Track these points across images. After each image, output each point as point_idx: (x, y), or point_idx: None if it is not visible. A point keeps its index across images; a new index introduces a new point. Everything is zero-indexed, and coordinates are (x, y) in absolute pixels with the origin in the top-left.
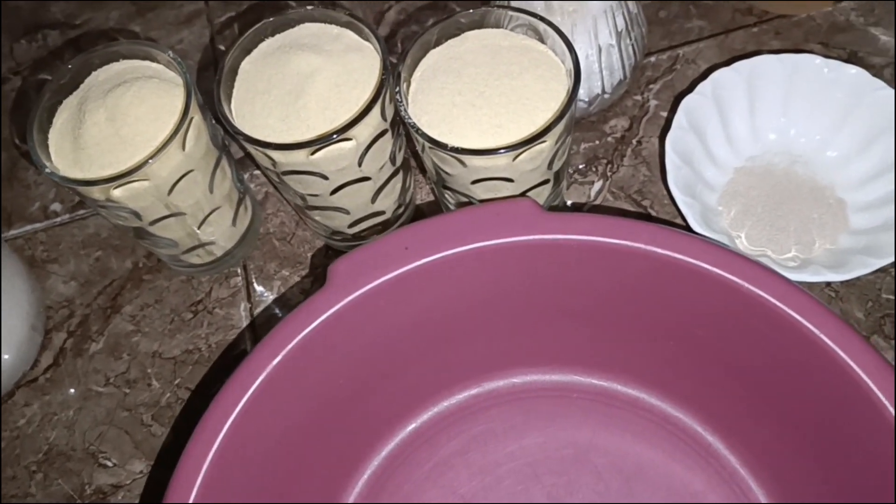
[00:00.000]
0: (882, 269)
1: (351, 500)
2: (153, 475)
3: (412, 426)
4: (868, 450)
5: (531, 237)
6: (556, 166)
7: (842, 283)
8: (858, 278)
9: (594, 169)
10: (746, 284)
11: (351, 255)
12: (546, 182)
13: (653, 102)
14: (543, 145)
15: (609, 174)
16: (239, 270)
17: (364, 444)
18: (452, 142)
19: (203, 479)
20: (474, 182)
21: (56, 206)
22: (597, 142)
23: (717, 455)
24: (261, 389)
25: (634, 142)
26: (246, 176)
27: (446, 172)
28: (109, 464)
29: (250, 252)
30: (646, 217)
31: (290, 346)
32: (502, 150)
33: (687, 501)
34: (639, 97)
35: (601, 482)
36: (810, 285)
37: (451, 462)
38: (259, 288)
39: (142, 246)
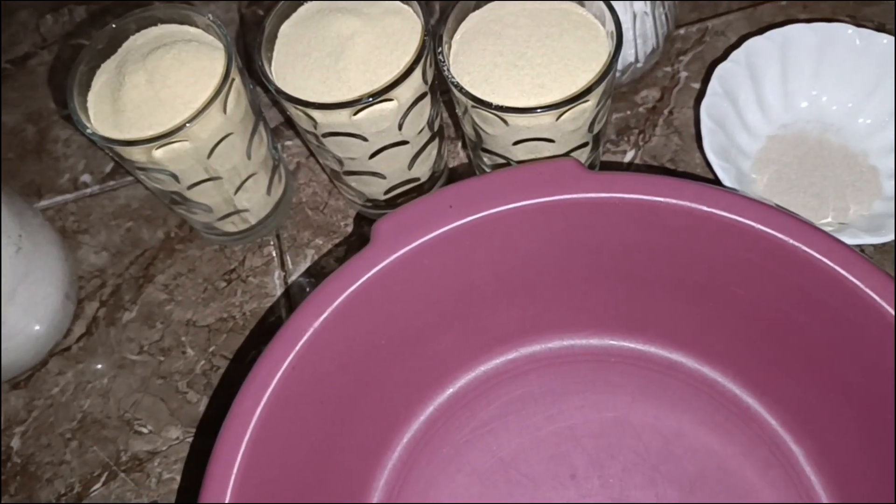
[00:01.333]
0: None
1: (391, 464)
2: (193, 443)
3: (450, 390)
4: None
5: (575, 195)
6: (597, 128)
7: (875, 248)
8: (892, 243)
9: (626, 139)
10: (792, 240)
11: (395, 214)
12: (585, 145)
13: (683, 73)
14: (586, 105)
15: (641, 143)
16: (272, 240)
17: (403, 408)
18: (495, 101)
19: (250, 437)
20: (515, 143)
21: (86, 178)
22: (628, 112)
23: (757, 417)
24: (306, 348)
25: (666, 112)
26: (278, 146)
27: (487, 133)
28: (145, 430)
29: (283, 221)
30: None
31: (335, 304)
32: (546, 109)
33: (726, 464)
34: (669, 68)
35: (641, 444)
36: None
37: (490, 425)
38: (292, 257)
39: (174, 216)
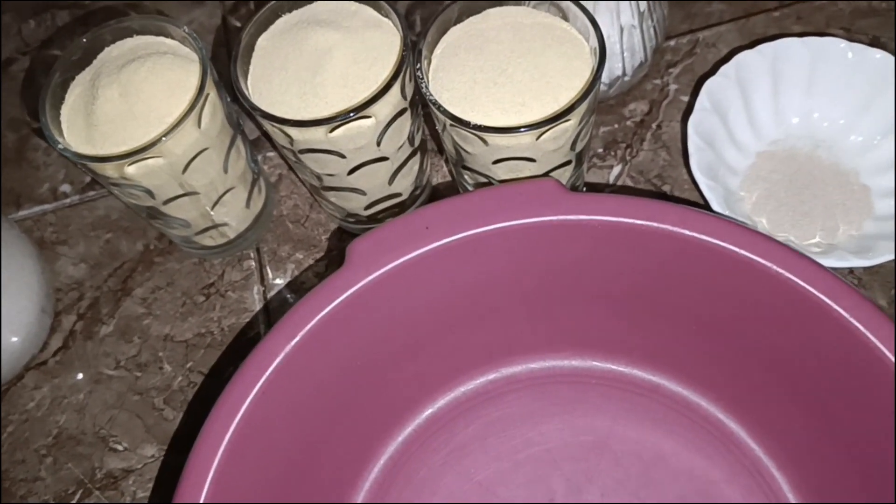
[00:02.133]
0: None
1: (367, 486)
2: (166, 460)
3: (428, 411)
4: None
5: (555, 217)
6: (579, 147)
7: (864, 270)
8: (882, 265)
9: (613, 153)
10: (776, 267)
11: (370, 235)
12: (568, 163)
13: (673, 86)
14: (567, 124)
15: (628, 158)
16: (252, 253)
17: (380, 429)
18: (475, 119)
19: (219, 462)
20: (496, 162)
21: (65, 188)
22: (616, 126)
23: (740, 443)
24: (278, 371)
25: (654, 126)
26: (259, 158)
27: (467, 152)
28: (120, 448)
29: (263, 235)
30: (668, 199)
31: (308, 327)
32: (526, 129)
33: (708, 489)
34: (658, 81)
35: (620, 469)
36: (833, 272)
37: (468, 448)
38: (272, 271)
39: (153, 228)
